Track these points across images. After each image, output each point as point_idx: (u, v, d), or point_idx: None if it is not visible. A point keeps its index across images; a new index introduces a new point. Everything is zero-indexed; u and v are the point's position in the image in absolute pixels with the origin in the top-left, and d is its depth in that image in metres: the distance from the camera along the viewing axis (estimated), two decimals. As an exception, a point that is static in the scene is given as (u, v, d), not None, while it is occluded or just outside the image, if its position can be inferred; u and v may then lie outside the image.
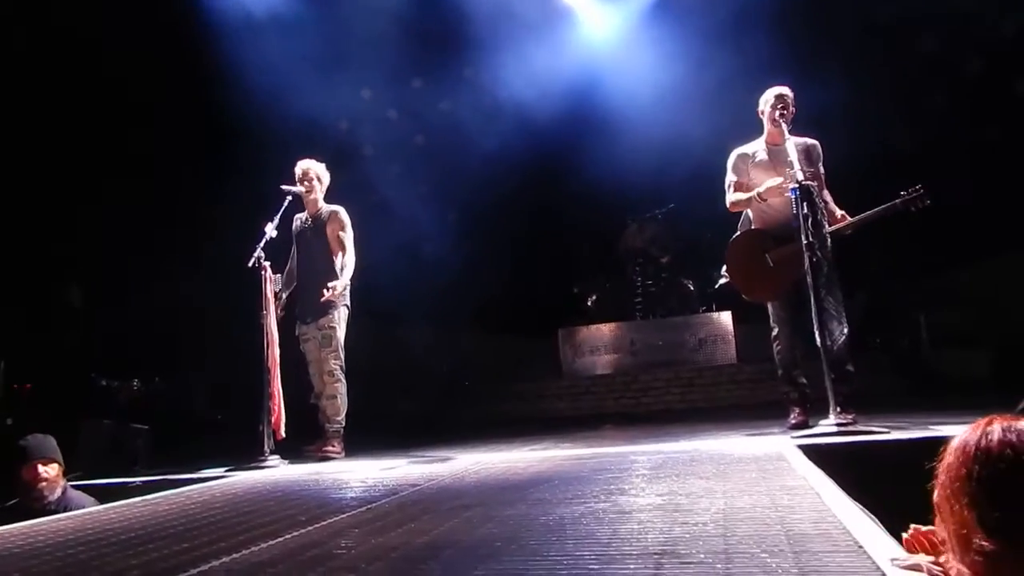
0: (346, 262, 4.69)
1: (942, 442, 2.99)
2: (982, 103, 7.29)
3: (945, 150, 7.20)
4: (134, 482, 3.85)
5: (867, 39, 7.74)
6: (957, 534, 1.00)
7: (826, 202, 4.12)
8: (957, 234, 7.28)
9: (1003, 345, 6.46)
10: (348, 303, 4.74)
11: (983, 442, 0.99)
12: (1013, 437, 0.98)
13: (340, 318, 4.69)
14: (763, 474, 2.48)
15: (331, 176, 4.95)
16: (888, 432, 3.24)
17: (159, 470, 4.30)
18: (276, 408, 4.38)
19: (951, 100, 7.43)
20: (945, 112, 7.46)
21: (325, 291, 4.51)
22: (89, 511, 3.05)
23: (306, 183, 4.79)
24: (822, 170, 4.19)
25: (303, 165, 4.85)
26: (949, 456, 1.03)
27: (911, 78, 7.68)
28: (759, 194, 4.06)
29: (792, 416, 4.10)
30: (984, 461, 0.98)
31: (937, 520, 1.05)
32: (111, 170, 6.87)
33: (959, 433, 1.04)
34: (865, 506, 1.82)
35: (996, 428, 1.00)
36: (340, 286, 4.56)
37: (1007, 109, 7.15)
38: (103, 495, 3.50)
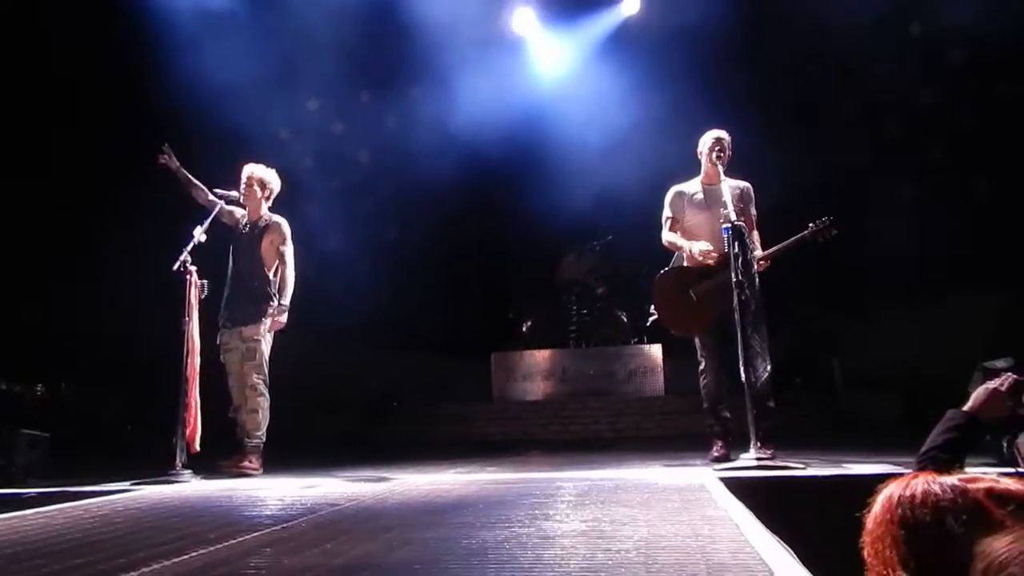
0: (286, 278, 4.56)
1: (854, 480, 3.11)
2: (900, 159, 7.79)
3: (866, 199, 7.62)
4: (28, 493, 3.57)
5: (801, 85, 8.16)
6: (880, 574, 1.09)
7: (752, 242, 4.29)
8: (871, 281, 7.71)
9: (912, 390, 6.82)
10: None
11: (907, 491, 1.10)
12: (935, 488, 1.08)
13: (266, 330, 4.53)
14: (685, 504, 2.51)
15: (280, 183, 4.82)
16: (805, 468, 3.37)
17: (58, 481, 4.02)
18: (192, 420, 4.18)
19: (881, 153, 7.91)
20: (867, 166, 7.92)
21: (268, 319, 4.49)
22: (-27, 522, 2.81)
23: (246, 188, 4.65)
24: (753, 212, 4.37)
25: (248, 169, 4.71)
26: (876, 506, 1.15)
27: (840, 129, 8.15)
28: (691, 251, 4.23)
29: (715, 449, 4.20)
30: (907, 505, 1.09)
31: (868, 573, 1.15)
32: (21, 166, 6.49)
33: (886, 487, 1.15)
34: (781, 538, 1.86)
35: (920, 480, 1.11)
36: (280, 307, 4.48)
37: (923, 165, 7.67)
38: (-8, 506, 3.23)
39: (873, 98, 7.93)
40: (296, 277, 4.64)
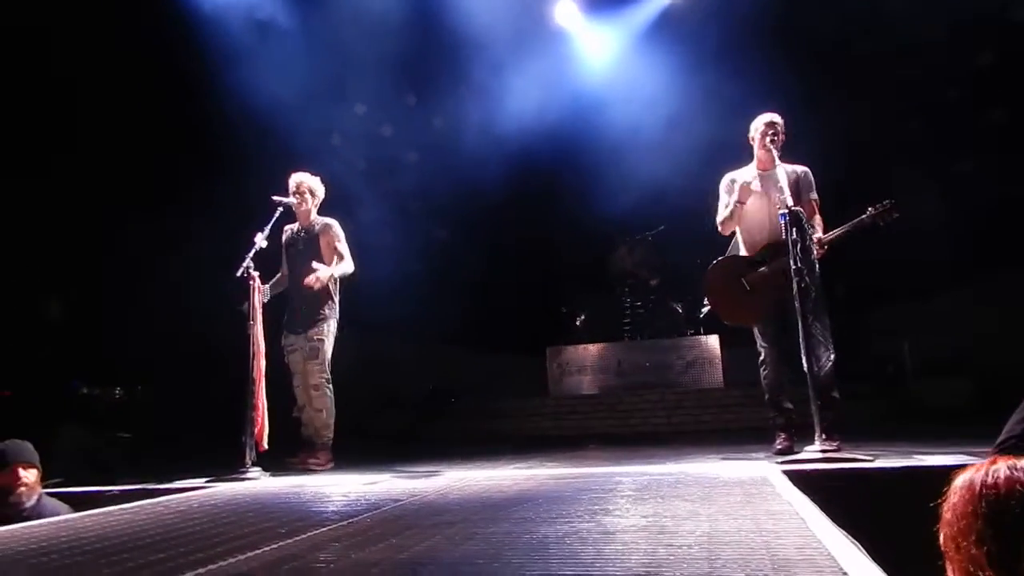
0: (342, 266, 4.67)
1: (927, 471, 2.99)
2: (962, 131, 7.42)
3: (927, 177, 7.31)
4: (111, 491, 3.77)
5: (850, 66, 7.88)
6: (965, 572, 1.02)
7: (813, 227, 4.17)
8: (940, 262, 7.38)
9: (984, 374, 6.52)
10: (337, 316, 4.72)
11: (990, 480, 1.02)
12: (1020, 475, 1.00)
13: (329, 330, 4.66)
14: (748, 498, 2.47)
15: (325, 189, 4.95)
16: (873, 460, 3.25)
17: (137, 479, 4.22)
18: (260, 419, 4.33)
19: (933, 128, 7.57)
20: (929, 140, 7.59)
21: (315, 291, 4.51)
22: (64, 518, 2.99)
23: (298, 196, 4.79)
24: (814, 196, 4.24)
25: (296, 178, 4.85)
26: (954, 496, 1.05)
27: (892, 107, 7.83)
28: (738, 200, 4.15)
29: (777, 441, 4.11)
30: (992, 499, 1.01)
31: (947, 564, 1.06)
32: (96, 176, 6.82)
33: (963, 473, 1.06)
34: (850, 533, 1.82)
35: (1002, 467, 1.03)
36: (324, 274, 4.53)
37: (987, 136, 7.29)
38: (79, 503, 3.43)
39: (927, 69, 7.58)
40: (355, 272, 4.76)
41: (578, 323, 8.88)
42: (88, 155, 6.79)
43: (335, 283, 4.75)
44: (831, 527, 1.89)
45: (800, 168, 4.27)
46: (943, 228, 7.02)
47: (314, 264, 4.55)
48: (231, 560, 1.89)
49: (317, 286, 4.53)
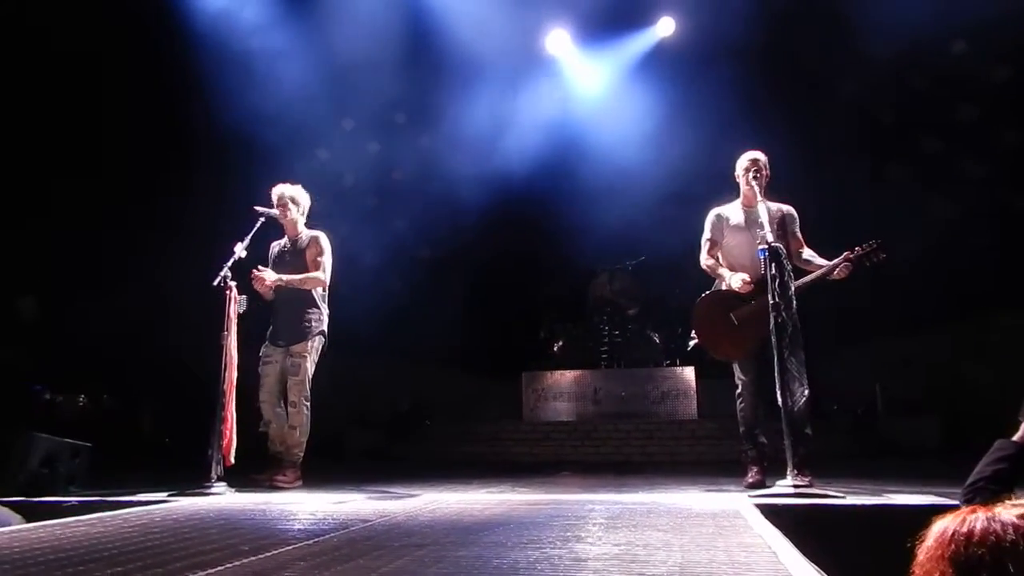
0: (312, 276, 4.58)
1: (896, 511, 3.01)
2: (940, 175, 7.62)
3: (902, 219, 7.48)
4: (68, 502, 3.65)
5: (834, 106, 8.07)
6: None
7: (810, 260, 4.22)
8: (911, 304, 7.52)
9: (952, 414, 6.62)
10: (325, 331, 4.65)
11: (964, 528, 1.04)
12: (996, 527, 1.02)
13: (312, 347, 4.57)
14: (720, 530, 2.46)
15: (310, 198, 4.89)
16: (843, 497, 3.27)
17: (97, 491, 4.10)
18: (228, 433, 4.23)
19: (911, 171, 7.76)
20: (904, 182, 7.78)
21: (260, 274, 4.45)
22: (16, 528, 2.88)
23: (280, 208, 4.74)
24: (799, 234, 4.30)
25: (277, 190, 4.78)
26: (929, 539, 1.07)
27: (877, 148, 8.02)
28: (730, 283, 4.18)
29: (750, 474, 4.12)
30: (963, 542, 1.02)
31: None
32: (69, 179, 6.72)
33: (942, 518, 1.08)
34: (820, 567, 1.82)
35: (980, 516, 1.05)
36: (281, 279, 4.47)
37: (964, 181, 7.49)
38: (34, 514, 3.31)
39: (910, 110, 7.80)
40: (331, 289, 4.69)
41: (555, 349, 8.87)
42: (69, 156, 6.71)
43: (322, 293, 4.68)
44: (802, 561, 1.89)
45: (785, 207, 4.34)
46: (919, 271, 7.16)
47: (258, 269, 4.46)
48: (191, 576, 1.83)
49: (258, 286, 4.45)
